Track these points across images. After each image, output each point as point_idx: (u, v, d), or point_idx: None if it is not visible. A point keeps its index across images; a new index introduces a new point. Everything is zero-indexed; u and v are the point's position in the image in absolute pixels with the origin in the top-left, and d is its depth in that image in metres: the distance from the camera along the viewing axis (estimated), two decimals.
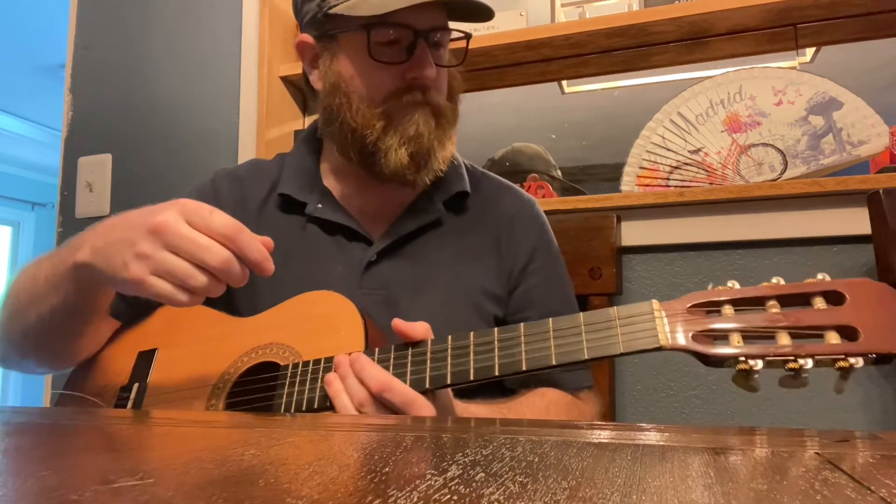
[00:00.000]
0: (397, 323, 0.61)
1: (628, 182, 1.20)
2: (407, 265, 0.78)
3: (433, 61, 0.75)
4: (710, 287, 0.54)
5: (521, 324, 0.58)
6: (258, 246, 0.56)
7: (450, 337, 0.60)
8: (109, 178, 1.53)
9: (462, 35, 0.79)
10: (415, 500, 0.22)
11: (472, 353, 0.58)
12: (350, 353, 0.61)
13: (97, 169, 1.54)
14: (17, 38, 3.03)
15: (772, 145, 1.12)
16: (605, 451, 0.32)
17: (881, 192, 0.93)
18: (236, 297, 0.78)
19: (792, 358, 0.48)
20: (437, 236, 0.81)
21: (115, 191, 1.53)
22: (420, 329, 0.61)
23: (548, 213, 0.90)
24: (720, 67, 1.21)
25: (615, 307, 0.55)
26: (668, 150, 1.18)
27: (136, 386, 0.72)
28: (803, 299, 0.51)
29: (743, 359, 0.49)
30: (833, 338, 0.48)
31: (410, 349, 0.61)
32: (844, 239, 1.06)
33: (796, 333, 0.49)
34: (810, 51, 1.39)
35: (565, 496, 0.23)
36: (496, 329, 0.59)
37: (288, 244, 0.80)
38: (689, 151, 1.17)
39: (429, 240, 0.80)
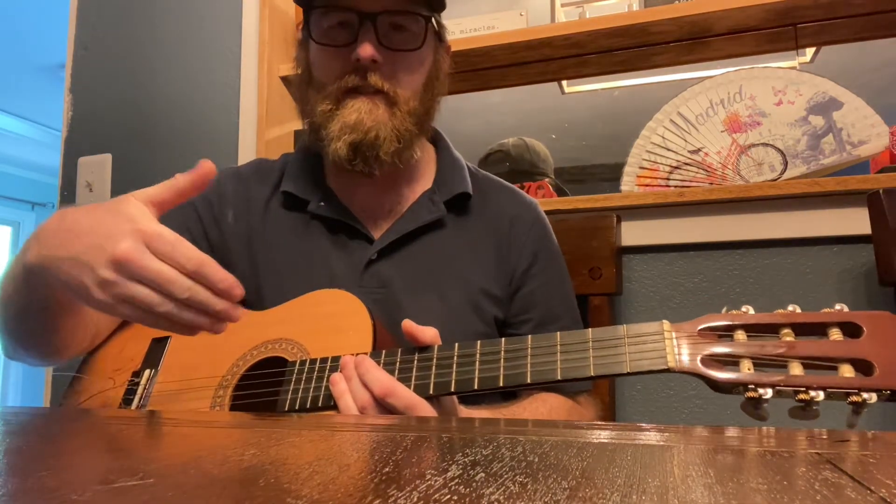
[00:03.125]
0: (407, 324, 0.61)
1: (628, 182, 1.20)
2: (407, 264, 0.78)
3: (386, 45, 0.73)
4: (724, 310, 0.53)
5: (529, 336, 0.58)
6: (224, 275, 0.55)
7: (457, 344, 0.60)
8: (109, 178, 1.53)
9: (421, 17, 0.75)
10: (415, 500, 0.22)
11: (477, 363, 0.58)
12: (357, 354, 0.62)
13: (97, 169, 1.54)
14: (17, 38, 3.03)
15: (772, 145, 1.12)
16: (605, 451, 0.32)
17: (881, 192, 0.93)
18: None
19: (803, 389, 0.47)
20: (438, 236, 0.81)
21: (115, 191, 1.53)
22: (429, 333, 0.61)
23: (548, 213, 0.90)
24: (720, 67, 1.21)
25: (625, 325, 0.55)
26: (668, 150, 1.18)
27: (147, 372, 0.73)
28: (819, 329, 0.50)
29: (752, 387, 0.48)
30: (847, 371, 0.47)
31: (417, 354, 0.61)
32: (844, 239, 1.06)
33: (809, 364, 0.48)
34: (810, 51, 1.39)
35: (565, 496, 0.23)
36: (503, 339, 0.59)
37: (291, 241, 0.81)
38: (689, 151, 1.17)
39: (430, 240, 0.80)
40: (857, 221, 1.02)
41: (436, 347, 0.61)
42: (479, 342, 0.59)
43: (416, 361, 0.60)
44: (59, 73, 3.11)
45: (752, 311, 0.52)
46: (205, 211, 0.84)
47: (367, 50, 0.72)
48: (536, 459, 0.30)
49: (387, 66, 0.74)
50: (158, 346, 0.75)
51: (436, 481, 0.25)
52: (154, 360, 0.74)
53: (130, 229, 0.54)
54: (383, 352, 0.62)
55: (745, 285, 1.11)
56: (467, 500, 0.23)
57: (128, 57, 1.56)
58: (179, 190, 0.59)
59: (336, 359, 0.63)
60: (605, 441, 0.35)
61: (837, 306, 0.50)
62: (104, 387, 0.74)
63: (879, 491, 0.24)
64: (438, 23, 0.81)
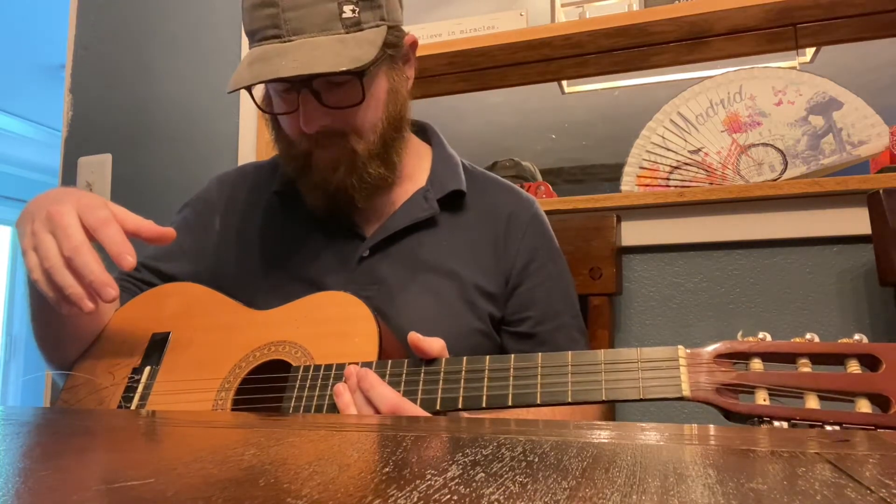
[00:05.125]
0: (413, 336, 0.60)
1: (628, 182, 1.20)
2: (399, 261, 0.79)
3: (329, 104, 0.71)
4: (740, 335, 0.53)
5: (539, 354, 0.57)
6: (119, 239, 0.62)
7: (465, 359, 0.60)
8: (109, 178, 1.53)
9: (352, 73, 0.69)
10: (415, 500, 0.22)
11: (486, 380, 0.58)
12: (361, 364, 0.61)
13: (97, 169, 1.53)
14: (17, 38, 3.03)
15: (772, 145, 1.12)
16: (605, 451, 0.32)
17: (881, 192, 0.93)
18: (233, 286, 0.79)
19: (819, 424, 0.47)
20: (431, 234, 0.81)
21: (115, 191, 1.53)
22: (436, 346, 0.61)
23: (548, 213, 0.90)
24: (720, 67, 1.21)
25: (638, 349, 0.54)
26: (668, 150, 1.18)
27: (147, 369, 0.72)
28: (837, 359, 0.50)
29: (767, 419, 0.48)
30: (864, 406, 0.47)
31: (423, 367, 0.60)
32: (844, 239, 1.06)
33: (826, 396, 0.48)
34: (810, 51, 1.39)
35: (565, 496, 0.23)
36: (513, 356, 0.58)
37: (283, 239, 0.82)
38: (689, 151, 1.16)
39: (423, 237, 0.80)
40: (857, 221, 1.02)
41: (443, 361, 0.60)
42: (487, 357, 0.59)
43: (422, 375, 0.60)
44: (59, 73, 3.11)
45: (769, 338, 0.52)
46: (196, 224, 0.88)
47: (309, 124, 0.72)
48: (536, 459, 0.30)
49: (337, 120, 0.73)
50: (159, 342, 0.75)
51: (436, 481, 0.25)
52: (154, 356, 0.73)
53: (75, 200, 0.63)
54: (389, 363, 0.61)
55: (745, 285, 1.11)
56: (467, 500, 0.23)
57: (128, 57, 1.56)
58: (150, 232, 0.66)
59: (341, 367, 0.62)
60: (605, 441, 0.35)
61: (857, 336, 0.50)
62: (103, 382, 0.74)
63: (879, 491, 0.24)
64: (389, 42, 0.73)
